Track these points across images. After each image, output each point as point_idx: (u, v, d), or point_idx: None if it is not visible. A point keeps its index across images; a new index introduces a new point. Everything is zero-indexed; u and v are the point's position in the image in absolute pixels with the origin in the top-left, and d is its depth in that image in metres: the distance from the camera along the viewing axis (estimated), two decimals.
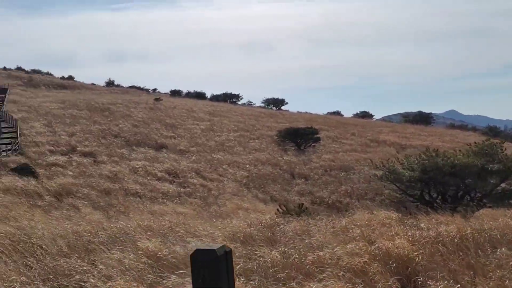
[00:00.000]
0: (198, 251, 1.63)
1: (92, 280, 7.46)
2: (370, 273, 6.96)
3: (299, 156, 41.22)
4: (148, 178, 30.14)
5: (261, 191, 31.83)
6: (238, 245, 9.44)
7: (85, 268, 8.35)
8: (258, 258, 8.74)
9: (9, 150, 33.88)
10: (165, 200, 25.37)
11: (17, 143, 35.63)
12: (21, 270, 8.07)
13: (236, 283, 7.29)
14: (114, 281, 6.90)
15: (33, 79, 75.08)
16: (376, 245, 8.60)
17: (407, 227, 11.00)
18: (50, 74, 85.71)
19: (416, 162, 16.85)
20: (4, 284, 7.45)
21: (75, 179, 26.75)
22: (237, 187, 31.16)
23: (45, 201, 20.88)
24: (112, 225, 12.63)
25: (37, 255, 9.67)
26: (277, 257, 8.10)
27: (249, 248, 9.21)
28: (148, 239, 9.61)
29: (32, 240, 10.78)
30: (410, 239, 9.03)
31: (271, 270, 7.96)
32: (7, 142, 37.30)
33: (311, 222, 12.22)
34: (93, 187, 25.23)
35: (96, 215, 18.17)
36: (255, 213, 21.52)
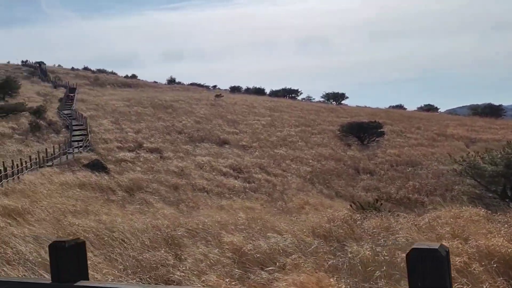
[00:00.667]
0: (417, 250, 1.35)
1: (181, 274, 7.46)
2: (475, 273, 6.48)
3: (363, 151, 40.26)
4: (214, 173, 30.46)
5: (325, 187, 31.35)
6: (320, 241, 9.18)
7: (170, 262, 8.40)
8: (344, 255, 8.46)
9: (80, 146, 35.39)
10: (231, 195, 25.52)
11: (88, 140, 37.14)
12: (112, 264, 8.23)
13: (327, 280, 7.04)
14: (207, 275, 6.83)
15: (99, 79, 78.15)
16: (472, 244, 8.07)
17: (499, 225, 10.30)
18: (115, 73, 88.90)
19: (499, 156, 15.85)
20: (98, 276, 7.60)
21: (144, 174, 27.48)
22: (301, 183, 30.86)
23: (118, 196, 21.56)
24: (189, 220, 12.74)
25: (121, 248, 9.88)
26: (367, 254, 7.75)
27: (336, 244, 8.95)
28: (231, 233, 9.54)
29: (114, 234, 11.04)
30: (509, 237, 8.40)
31: (360, 268, 7.65)
32: (79, 139, 38.99)
33: (391, 219, 11.73)
34: (161, 183, 25.81)
35: (169, 210, 18.53)
36: (323, 209, 21.15)
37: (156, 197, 22.45)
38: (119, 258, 9.17)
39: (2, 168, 23.29)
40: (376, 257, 7.74)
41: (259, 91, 78.55)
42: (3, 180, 21.95)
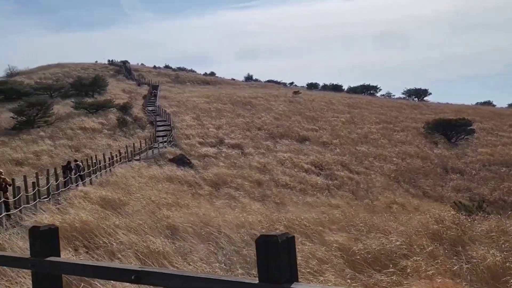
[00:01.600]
0: None
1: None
2: None
3: (451, 149, 38.11)
4: (295, 170, 30.12)
5: (412, 186, 29.97)
6: (436, 244, 8.50)
7: None
8: (460, 259, 7.75)
9: (165, 142, 36.44)
10: (315, 192, 25.05)
11: (171, 135, 38.18)
12: (217, 258, 8.12)
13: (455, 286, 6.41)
14: (324, 276, 6.46)
15: (179, 76, 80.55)
16: None
17: None
18: (194, 71, 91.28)
19: None
20: (196, 265, 7.51)
21: (228, 169, 27.68)
22: (386, 181, 29.70)
23: (205, 190, 21.81)
24: (283, 216, 12.46)
25: (222, 242, 9.77)
26: (496, 260, 7.01)
27: (450, 247, 8.25)
28: (333, 232, 9.11)
29: (211, 229, 10.99)
30: None
31: (487, 274, 6.93)
32: (162, 134, 40.22)
33: (506, 222, 10.74)
34: (245, 178, 25.85)
35: (256, 205, 18.40)
36: (411, 209, 20.11)
37: (241, 192, 22.48)
38: (219, 252, 9.07)
39: (96, 161, 24.41)
40: (506, 264, 6.98)
41: (337, 88, 77.17)
42: (98, 173, 22.97)
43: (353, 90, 74.77)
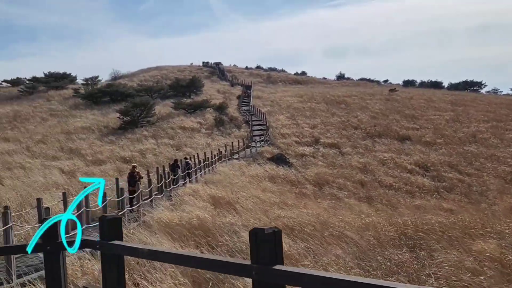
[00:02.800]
0: None
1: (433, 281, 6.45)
2: None
3: None
4: (398, 170, 28.68)
5: None
6: None
7: (415, 265, 7.43)
8: None
9: (261, 141, 36.52)
10: (423, 194, 23.60)
11: (268, 134, 38.21)
12: (348, 263, 7.60)
13: None
14: None
15: (271, 76, 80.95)
16: None
17: None
18: (284, 71, 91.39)
19: None
20: (332, 268, 7.02)
21: (328, 169, 27.01)
22: (501, 184, 27.28)
23: (309, 190, 21.34)
24: (402, 220, 11.62)
25: (347, 243, 9.23)
26: None
27: None
28: (480, 239, 8.19)
29: (332, 230, 10.46)
30: None
31: None
32: (258, 133, 40.41)
33: None
34: (347, 178, 25.02)
35: (363, 207, 17.60)
36: None
37: (345, 192, 21.73)
38: (347, 255, 8.52)
39: (199, 160, 24.89)
40: None
41: (436, 85, 73.13)
42: (202, 171, 23.38)
43: (454, 87, 70.45)
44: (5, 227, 7.58)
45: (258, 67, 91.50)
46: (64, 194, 12.31)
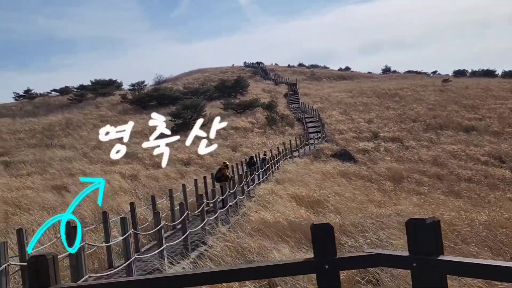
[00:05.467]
0: None
1: None
2: None
3: None
4: (472, 162, 26.95)
5: None
6: None
7: None
8: None
9: (319, 137, 35.40)
10: (507, 187, 21.89)
11: (323, 131, 37.04)
12: None
13: None
14: None
15: (315, 73, 79.58)
16: None
17: None
18: (327, 67, 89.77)
19: None
20: None
21: (398, 164, 25.64)
22: None
23: (387, 185, 20.08)
24: None
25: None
26: None
27: None
28: None
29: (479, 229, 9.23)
30: None
31: None
32: (313, 130, 39.32)
33: None
34: (421, 172, 23.57)
35: (454, 202, 16.25)
36: None
37: (425, 187, 20.33)
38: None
39: (261, 158, 24.04)
40: None
41: (489, 73, 69.90)
42: (270, 170, 22.51)
43: (509, 75, 67.06)
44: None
45: (300, 65, 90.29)
46: (153, 197, 11.61)
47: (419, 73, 78.40)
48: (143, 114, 51.03)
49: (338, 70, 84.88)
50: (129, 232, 6.73)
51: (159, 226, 7.37)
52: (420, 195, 18.20)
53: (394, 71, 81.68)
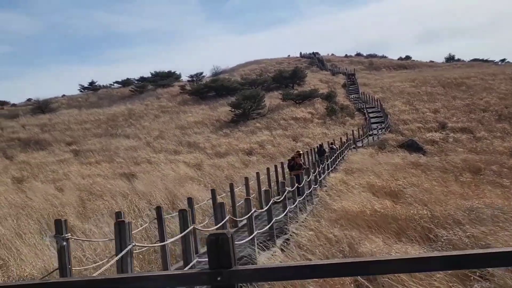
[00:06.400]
0: None
1: None
2: None
3: None
4: None
5: None
6: None
7: None
8: None
9: (382, 128, 34.36)
10: None
11: (387, 121, 35.91)
12: None
13: None
14: None
15: (373, 63, 77.50)
16: None
17: None
18: (385, 57, 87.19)
19: None
20: None
21: (472, 155, 24.35)
22: None
23: (466, 177, 19.03)
24: None
25: None
26: None
27: None
28: None
29: None
30: None
31: None
32: (375, 121, 38.23)
33: None
34: (499, 164, 22.21)
35: None
36: None
37: (507, 180, 19.08)
38: None
39: (329, 147, 23.53)
40: None
41: None
42: (337, 160, 21.99)
43: None
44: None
45: (358, 54, 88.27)
46: (231, 185, 11.47)
47: (486, 61, 74.56)
48: (202, 104, 51.64)
49: (398, 59, 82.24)
50: (226, 218, 6.54)
51: (250, 213, 7.16)
52: (504, 187, 17.08)
53: (458, 60, 78.18)
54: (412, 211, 10.12)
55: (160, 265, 8.23)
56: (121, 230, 3.67)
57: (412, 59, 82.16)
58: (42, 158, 33.93)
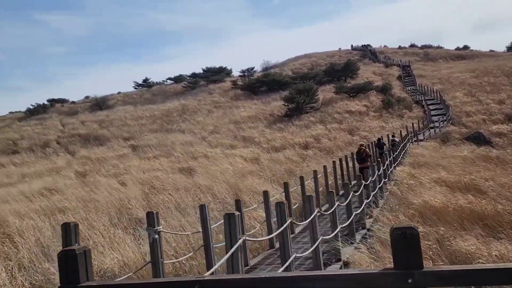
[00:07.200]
0: None
1: None
2: None
3: None
4: None
5: None
6: None
7: None
8: None
9: (444, 120, 33.00)
10: None
11: (448, 113, 34.45)
12: None
13: None
14: None
15: (429, 54, 74.87)
16: None
17: None
18: (441, 47, 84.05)
19: None
20: None
21: None
22: None
23: None
24: None
25: None
26: None
27: None
28: None
29: None
30: None
31: None
32: (435, 113, 36.79)
33: None
34: None
35: None
36: None
37: None
38: None
39: (391, 140, 22.74)
40: None
41: None
42: (401, 153, 21.22)
43: None
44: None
45: (412, 45, 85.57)
46: (301, 178, 11.14)
47: None
48: (254, 99, 51.54)
49: (455, 49, 79.01)
50: (315, 211, 6.22)
51: (333, 208, 6.80)
52: None
53: None
54: (500, 207, 9.44)
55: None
56: (231, 223, 3.43)
57: (470, 48, 78.74)
58: (102, 153, 34.85)
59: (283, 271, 4.60)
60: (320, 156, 26.92)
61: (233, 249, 3.33)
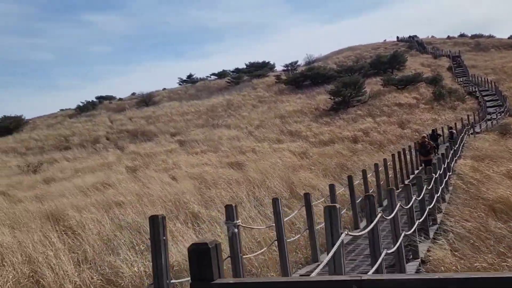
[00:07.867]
0: None
1: None
2: None
3: None
4: None
5: None
6: None
7: None
8: None
9: (501, 112, 31.53)
10: None
11: (506, 105, 32.89)
12: None
13: None
14: None
15: (480, 43, 71.90)
16: None
17: None
18: (493, 36, 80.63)
19: None
20: None
21: None
22: None
23: None
24: None
25: None
26: None
27: None
28: None
29: None
30: None
31: None
32: (492, 104, 35.24)
33: None
34: None
35: None
36: None
37: None
38: None
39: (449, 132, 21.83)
40: None
41: None
42: (460, 146, 20.33)
43: None
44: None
45: (461, 35, 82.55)
46: (364, 171, 10.72)
47: None
48: (299, 93, 51.02)
49: (509, 38, 75.61)
50: (399, 205, 5.84)
51: (411, 203, 6.38)
52: None
53: None
54: None
55: (308, 255, 7.74)
56: (332, 217, 3.13)
57: None
58: (150, 148, 35.33)
59: (375, 270, 4.25)
60: (370, 150, 26.22)
61: (337, 245, 3.02)
